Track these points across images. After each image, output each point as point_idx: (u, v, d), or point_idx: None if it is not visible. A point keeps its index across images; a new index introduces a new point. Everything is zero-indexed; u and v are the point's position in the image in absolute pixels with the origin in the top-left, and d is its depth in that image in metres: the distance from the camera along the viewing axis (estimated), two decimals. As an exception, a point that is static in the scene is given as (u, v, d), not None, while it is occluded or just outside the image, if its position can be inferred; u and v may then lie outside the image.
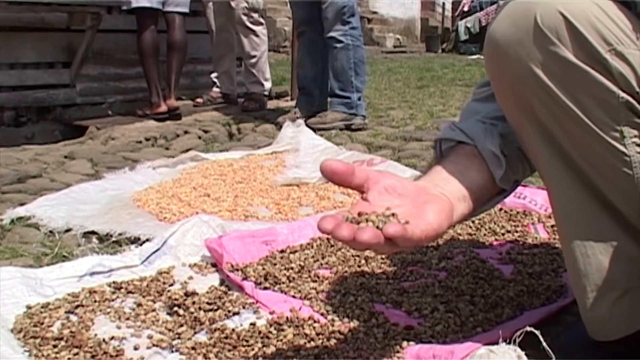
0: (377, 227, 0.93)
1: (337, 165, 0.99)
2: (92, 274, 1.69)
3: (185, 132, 4.02)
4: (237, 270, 1.68)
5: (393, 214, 0.96)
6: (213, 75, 5.25)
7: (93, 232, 2.10)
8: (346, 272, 1.70)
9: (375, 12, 18.23)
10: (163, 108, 4.48)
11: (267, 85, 5.08)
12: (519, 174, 1.23)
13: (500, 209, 2.20)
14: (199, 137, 3.93)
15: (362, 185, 1.02)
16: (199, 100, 5.14)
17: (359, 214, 0.97)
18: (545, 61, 1.04)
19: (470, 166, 1.15)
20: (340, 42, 3.94)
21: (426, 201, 1.03)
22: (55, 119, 4.67)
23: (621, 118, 1.04)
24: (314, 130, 3.59)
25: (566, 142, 1.08)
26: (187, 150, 3.41)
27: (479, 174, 1.15)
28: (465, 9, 15.82)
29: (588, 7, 1.03)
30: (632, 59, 1.03)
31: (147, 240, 1.95)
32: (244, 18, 4.86)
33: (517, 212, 2.19)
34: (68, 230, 2.13)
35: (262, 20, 4.98)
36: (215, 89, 5.19)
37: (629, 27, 1.05)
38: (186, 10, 4.72)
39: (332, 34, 3.95)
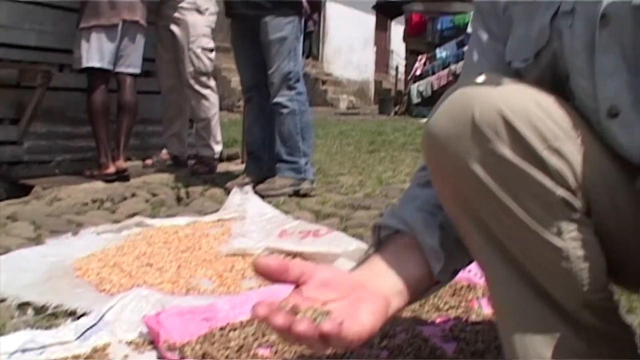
0: (314, 320, 0.92)
1: (269, 263, 0.98)
2: (24, 350, 1.64)
3: (133, 195, 3.98)
4: (175, 349, 1.64)
5: (328, 312, 0.95)
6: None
7: (28, 303, 2.04)
8: (286, 351, 1.68)
9: (329, 74, 18.50)
10: (111, 169, 4.43)
11: (218, 148, 5.08)
12: (458, 264, 1.23)
13: (445, 284, 2.20)
14: (147, 201, 3.89)
15: (298, 280, 1.01)
16: (149, 161, 5.11)
17: (294, 307, 0.96)
18: (483, 158, 1.04)
19: (409, 259, 1.15)
20: (287, 107, 3.98)
21: (361, 298, 1.02)
22: (0, 177, 4.59)
23: (559, 214, 1.05)
24: (263, 196, 3.58)
25: (504, 237, 1.08)
26: (134, 215, 3.37)
27: (417, 266, 1.15)
28: (418, 72, 16.13)
29: (527, 104, 1.04)
30: (569, 155, 1.05)
31: (84, 314, 1.90)
32: (192, 82, 4.88)
33: (462, 287, 2.17)
34: (2, 301, 2.06)
35: (211, 83, 5.00)
36: (165, 151, 5.16)
37: (568, 122, 1.07)
38: (137, 71, 4.71)
39: (278, 99, 3.99)
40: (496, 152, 1.03)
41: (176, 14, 4.87)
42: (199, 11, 4.91)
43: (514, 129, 1.03)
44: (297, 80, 4.03)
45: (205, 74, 4.92)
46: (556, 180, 1.04)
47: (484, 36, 1.31)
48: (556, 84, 1.14)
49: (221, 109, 5.31)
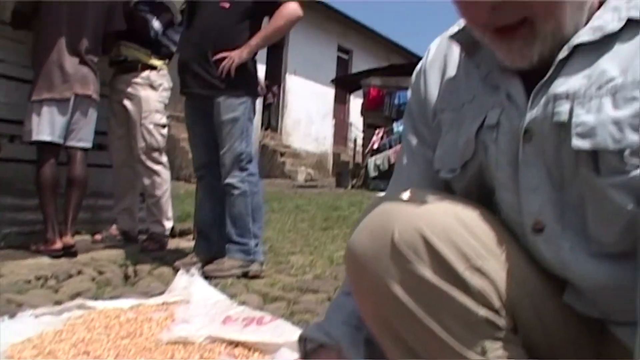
0: None
1: None
2: None
3: (79, 272, 3.90)
4: None
5: None
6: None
7: (-45, 396, 1.97)
8: None
9: (288, 146, 18.60)
10: (58, 245, 4.34)
11: (169, 225, 5.03)
12: None
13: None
14: (93, 279, 3.81)
15: None
16: (98, 236, 5.02)
17: None
18: (403, 279, 1.03)
19: None
20: (238, 188, 3.97)
21: None
22: (-59, 249, 4.48)
23: (482, 334, 1.04)
24: (211, 277, 3.53)
25: (427, 357, 1.06)
26: (77, 295, 3.29)
27: None
28: (375, 146, 16.29)
29: (448, 222, 1.05)
30: (493, 273, 1.05)
31: (11, 409, 1.83)
32: (144, 157, 4.86)
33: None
34: None
35: (163, 159, 4.98)
36: (115, 226, 5.09)
37: (492, 237, 1.07)
38: (89, 145, 4.66)
39: (229, 180, 3.98)
40: (416, 273, 1.03)
41: (129, 89, 4.89)
42: (152, 87, 4.93)
43: (434, 249, 1.02)
44: (249, 161, 4.02)
45: (157, 149, 4.91)
46: (478, 300, 1.03)
47: (414, 141, 1.33)
48: (484, 195, 1.15)
49: (178, 179, 5.31)
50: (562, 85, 1.03)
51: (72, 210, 4.52)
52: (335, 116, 21.78)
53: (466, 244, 1.04)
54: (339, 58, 21.85)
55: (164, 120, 4.99)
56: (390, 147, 15.97)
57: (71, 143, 4.56)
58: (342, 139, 22.39)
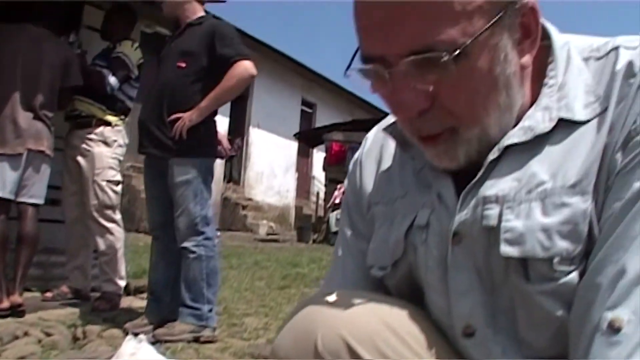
0: None
1: None
2: None
3: (25, 334, 3.78)
4: None
5: None
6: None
7: None
8: None
9: (250, 199, 18.53)
10: (5, 304, 4.21)
11: (122, 283, 4.93)
12: None
13: None
14: (39, 341, 3.69)
15: None
16: (49, 294, 4.89)
17: None
18: None
19: None
20: (193, 252, 3.90)
21: None
22: None
23: None
24: (160, 342, 3.46)
25: None
26: (21, 359, 3.20)
27: None
28: (337, 201, 16.30)
29: (374, 328, 1.01)
30: None
31: None
32: (97, 214, 4.80)
33: None
34: None
35: (116, 216, 4.91)
36: (66, 284, 4.96)
37: (422, 341, 1.04)
38: (41, 201, 4.59)
39: (185, 244, 3.91)
40: None
41: (83, 145, 4.85)
42: (105, 143, 4.88)
43: (358, 356, 0.99)
44: (206, 224, 3.96)
45: (110, 207, 4.85)
46: None
47: (349, 232, 1.30)
48: (415, 295, 1.13)
49: (138, 231, 5.24)
50: (492, 187, 1.01)
51: (21, 268, 4.41)
52: (298, 169, 21.82)
53: (392, 350, 1.00)
54: (302, 111, 21.95)
55: (117, 177, 4.94)
56: (352, 202, 16.00)
57: (23, 199, 4.48)
58: (304, 192, 22.40)
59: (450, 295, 1.05)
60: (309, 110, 22.51)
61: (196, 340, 3.78)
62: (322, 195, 19.18)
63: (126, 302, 5.00)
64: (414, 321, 1.06)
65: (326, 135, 17.89)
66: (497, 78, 0.97)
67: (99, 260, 4.97)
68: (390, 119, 1.22)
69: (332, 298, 1.07)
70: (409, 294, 1.13)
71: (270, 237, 16.11)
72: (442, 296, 1.07)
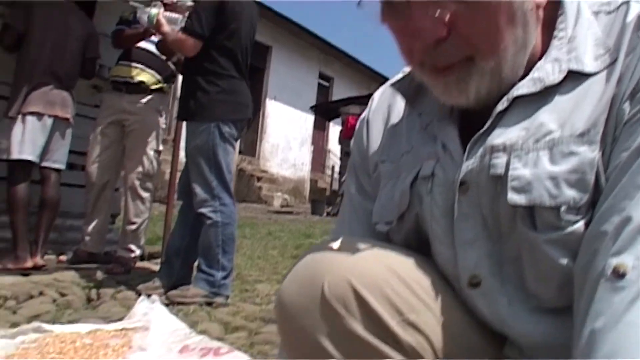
0: None
1: None
2: None
3: (41, 294, 3.83)
4: None
5: None
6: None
7: None
8: None
9: (265, 171, 18.57)
10: (29, 264, 4.33)
11: (138, 252, 4.96)
12: None
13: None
14: (54, 301, 3.75)
15: None
16: (63, 257, 4.94)
17: None
18: (333, 334, 1.00)
19: None
20: (210, 218, 3.90)
21: None
22: None
23: None
24: (173, 303, 3.49)
25: None
26: (36, 317, 3.24)
27: None
28: (352, 175, 16.28)
29: (381, 274, 1.02)
30: (426, 327, 1.02)
31: None
32: (137, 183, 4.81)
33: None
34: None
35: (151, 187, 4.93)
36: (82, 247, 5.01)
37: (428, 290, 1.05)
38: (63, 167, 4.68)
39: (201, 210, 3.92)
40: (346, 328, 1.00)
41: (135, 112, 4.84)
42: (158, 111, 4.91)
43: (365, 302, 0.99)
44: (224, 190, 3.96)
45: (151, 177, 4.88)
46: (410, 356, 1.01)
47: (355, 192, 1.30)
48: (423, 248, 1.13)
49: (154, 200, 5.22)
50: (500, 136, 1.01)
51: (43, 231, 4.54)
52: (313, 143, 21.80)
53: (399, 297, 1.01)
54: (319, 85, 21.90)
55: (161, 147, 4.96)
56: (367, 176, 15.97)
57: (47, 164, 4.58)
58: (320, 166, 22.40)
59: (456, 245, 1.06)
60: (326, 84, 22.45)
61: (208, 304, 3.81)
62: (337, 168, 19.13)
63: (140, 266, 5.05)
64: (420, 269, 1.07)
65: (342, 109, 17.79)
66: (515, 10, 0.97)
67: (122, 227, 5.01)
68: (397, 77, 1.22)
69: (336, 244, 1.07)
70: (416, 248, 1.13)
71: (284, 209, 16.15)
72: (448, 247, 1.07)
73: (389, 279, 1.02)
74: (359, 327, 0.99)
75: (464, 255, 1.05)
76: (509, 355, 1.05)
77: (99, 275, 4.49)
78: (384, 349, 1.00)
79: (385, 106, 1.29)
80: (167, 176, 13.77)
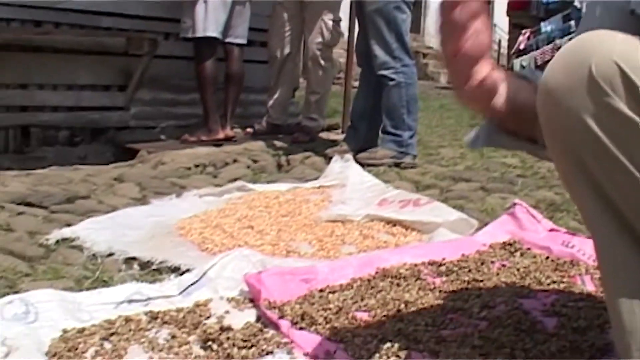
0: None
1: None
2: (130, 301, 1.70)
3: (235, 161, 4.03)
4: (274, 307, 1.66)
5: None
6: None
7: (134, 258, 2.11)
8: (385, 315, 1.67)
9: (430, 47, 18.22)
10: (221, 135, 4.57)
11: (322, 122, 5.06)
12: None
13: (547, 257, 2.13)
14: (248, 167, 3.93)
15: None
16: (249, 129, 5.13)
17: None
18: (598, 112, 0.99)
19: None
20: (392, 80, 3.89)
21: None
22: (108, 141, 4.74)
23: None
24: (363, 165, 3.57)
25: (616, 196, 1.02)
26: (235, 180, 3.41)
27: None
28: (521, 47, 15.62)
29: None
30: None
31: (187, 270, 1.95)
32: (318, 53, 4.84)
33: (565, 262, 2.10)
34: (110, 255, 2.14)
35: (332, 56, 4.97)
36: (267, 119, 5.15)
37: None
38: (244, 42, 4.80)
39: (383, 72, 3.91)
40: (612, 107, 0.98)
41: None
42: None
43: (632, 83, 0.97)
44: (404, 52, 3.93)
45: (332, 46, 4.91)
46: None
47: None
48: None
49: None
50: None
51: (230, 104, 4.75)
52: (479, 17, 21.07)
53: None
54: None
55: (340, 17, 4.96)
56: (537, 48, 15.23)
57: (229, 39, 4.70)
58: (486, 41, 21.70)
59: None
60: (491, -47, 21.47)
61: (397, 165, 3.86)
62: (503, 43, 18.44)
63: (322, 136, 5.14)
64: None
65: (510, -23, 17.01)
66: None
67: (306, 98, 5.11)
68: None
69: (601, 33, 1.04)
70: None
71: (451, 85, 15.86)
72: None
73: None
74: (623, 106, 0.98)
75: None
76: None
77: (285, 144, 4.63)
78: None
79: None
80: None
